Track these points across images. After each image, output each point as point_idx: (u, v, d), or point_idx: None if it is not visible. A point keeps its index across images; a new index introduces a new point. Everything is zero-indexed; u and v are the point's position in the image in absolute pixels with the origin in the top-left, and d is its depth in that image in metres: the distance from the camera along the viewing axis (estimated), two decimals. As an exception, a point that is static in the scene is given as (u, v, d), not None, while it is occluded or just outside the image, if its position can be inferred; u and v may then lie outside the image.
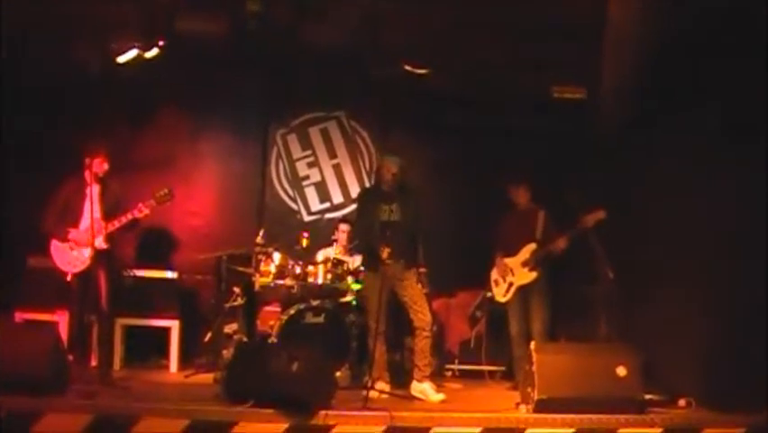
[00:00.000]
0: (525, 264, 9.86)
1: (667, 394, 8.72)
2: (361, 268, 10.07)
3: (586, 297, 9.99)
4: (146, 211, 9.09)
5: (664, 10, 8.07)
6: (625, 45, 8.83)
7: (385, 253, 9.07)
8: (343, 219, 11.43)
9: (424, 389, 9.27)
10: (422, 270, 9.75)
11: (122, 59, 10.52)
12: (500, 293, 10.07)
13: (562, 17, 9.33)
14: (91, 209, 8.85)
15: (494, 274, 10.21)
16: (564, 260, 9.77)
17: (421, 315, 9.37)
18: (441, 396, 9.22)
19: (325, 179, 12.59)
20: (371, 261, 9.51)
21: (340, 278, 10.40)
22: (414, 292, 9.42)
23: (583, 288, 10.08)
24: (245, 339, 10.34)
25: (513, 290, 9.94)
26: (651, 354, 8.61)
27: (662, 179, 9.60)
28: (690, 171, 9.09)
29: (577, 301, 10.27)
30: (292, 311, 9.99)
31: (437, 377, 10.36)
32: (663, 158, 9.57)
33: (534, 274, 9.82)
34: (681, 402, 8.72)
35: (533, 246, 9.85)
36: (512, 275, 9.96)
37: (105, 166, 9.14)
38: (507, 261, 10.02)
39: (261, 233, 10.46)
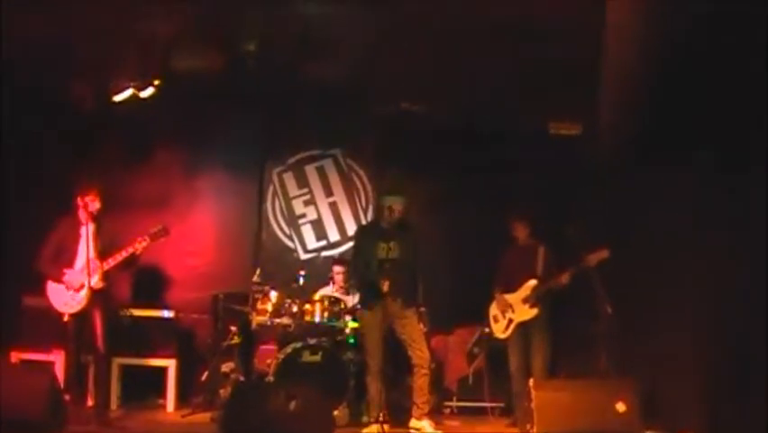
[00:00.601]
0: (525, 301, 9.79)
1: (668, 429, 8.69)
2: (358, 306, 10.04)
3: (586, 332, 9.94)
4: (141, 247, 9.07)
5: (662, 43, 8.09)
6: (622, 80, 8.84)
7: (385, 286, 9.07)
8: (337, 261, 11.37)
9: (422, 426, 9.25)
10: (422, 309, 9.75)
11: (118, 98, 10.53)
12: (500, 329, 9.99)
13: (560, 52, 9.34)
14: (87, 249, 8.85)
15: (493, 310, 10.13)
16: (564, 295, 9.73)
17: (419, 352, 9.35)
18: (439, 433, 9.20)
19: (322, 217, 12.56)
20: (368, 298, 9.50)
21: (337, 316, 10.37)
22: (413, 330, 9.40)
23: (583, 323, 10.03)
24: (242, 378, 10.32)
25: (513, 326, 9.85)
26: (652, 388, 8.60)
27: (662, 211, 9.59)
28: (689, 204, 9.10)
29: (577, 337, 10.23)
30: (289, 350, 9.96)
31: (436, 414, 10.32)
32: (663, 190, 9.58)
33: (534, 311, 9.75)
34: (681, 437, 8.70)
35: (533, 283, 9.79)
36: (512, 312, 9.88)
37: (97, 204, 9.14)
38: (507, 297, 9.96)
39: (258, 271, 10.44)
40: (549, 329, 9.79)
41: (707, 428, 8.46)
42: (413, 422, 9.32)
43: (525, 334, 9.81)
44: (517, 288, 9.91)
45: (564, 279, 9.56)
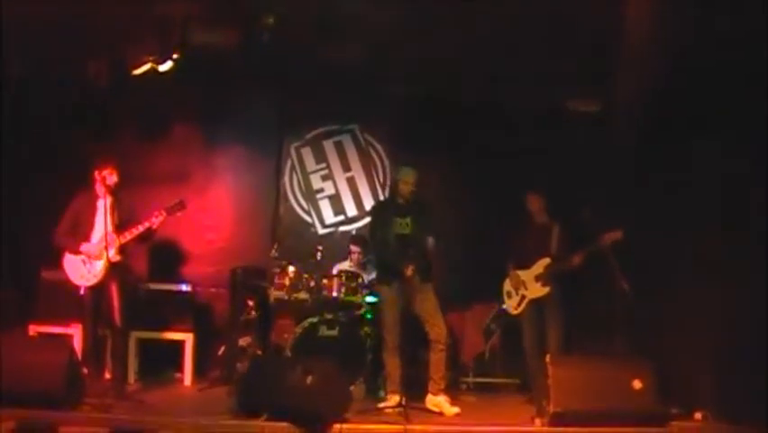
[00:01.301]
0: (538, 279, 9.79)
1: (683, 407, 8.68)
2: (376, 282, 10.05)
3: (602, 311, 9.92)
4: (157, 221, 9.08)
5: (681, 22, 8.04)
6: (640, 58, 8.80)
7: (409, 270, 9.06)
8: (353, 239, 11.34)
9: (439, 402, 9.24)
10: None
11: (136, 72, 10.52)
12: (513, 305, 10.01)
13: (577, 31, 9.30)
14: (104, 222, 8.87)
15: (507, 285, 10.14)
16: (581, 274, 9.70)
17: (437, 328, 9.35)
18: (455, 409, 9.19)
19: (340, 192, 12.56)
20: (386, 274, 9.49)
21: (354, 291, 10.38)
22: (430, 306, 9.39)
23: (600, 302, 10.01)
24: (259, 352, 10.34)
25: (525, 303, 9.87)
26: (666, 367, 8.57)
27: (680, 192, 9.55)
28: (709, 184, 9.06)
29: (593, 316, 10.20)
30: (306, 324, 9.99)
31: (452, 390, 10.32)
32: (682, 170, 9.53)
33: (546, 289, 9.74)
34: (697, 416, 8.68)
35: (547, 261, 9.79)
36: (524, 288, 9.89)
37: (115, 178, 9.15)
38: (521, 273, 9.96)
39: (276, 246, 10.45)
40: (562, 307, 9.77)
41: (722, 408, 8.45)
42: (429, 398, 9.31)
43: (538, 311, 9.80)
44: (531, 265, 9.90)
45: (577, 259, 9.55)
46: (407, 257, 9.12)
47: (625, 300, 9.18)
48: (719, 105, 8.74)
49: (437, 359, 9.36)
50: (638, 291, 9.18)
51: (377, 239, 9.64)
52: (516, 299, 9.97)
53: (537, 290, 9.80)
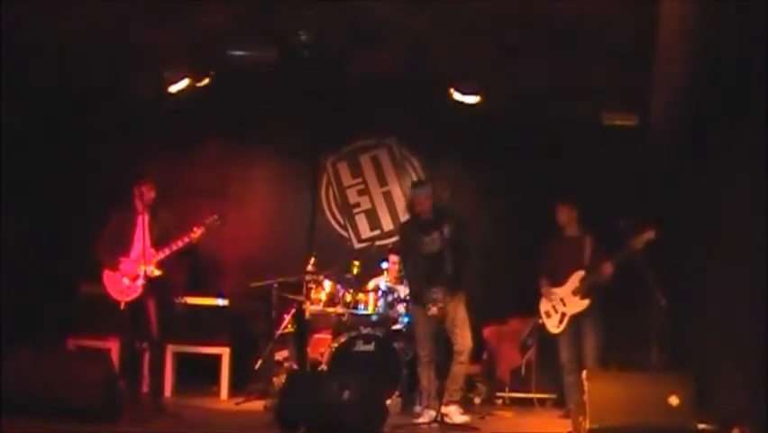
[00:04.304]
0: (575, 293, 9.74)
1: (720, 423, 8.61)
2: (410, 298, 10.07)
3: (638, 324, 9.87)
4: (196, 237, 9.13)
5: (715, 36, 8.00)
6: (676, 70, 8.76)
7: (433, 309, 9.06)
8: (393, 250, 11.32)
9: (449, 411, 9.21)
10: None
11: (174, 88, 10.59)
12: (553, 325, 9.90)
13: (613, 43, 9.28)
14: (143, 237, 8.94)
15: (544, 305, 10.04)
16: (615, 286, 9.65)
17: (461, 339, 9.35)
18: (465, 418, 9.21)
19: (376, 206, 12.58)
20: (417, 294, 9.50)
21: (390, 306, 10.39)
22: (456, 316, 9.38)
23: (635, 315, 9.97)
24: (296, 367, 10.37)
25: (566, 320, 9.77)
26: (704, 381, 8.51)
27: (719, 202, 9.50)
28: (745, 196, 8.99)
29: (628, 328, 10.16)
30: (343, 339, 10.01)
31: (488, 405, 10.34)
32: (718, 183, 9.48)
33: (586, 302, 9.67)
34: (735, 432, 8.60)
35: (581, 274, 9.73)
36: (563, 305, 9.81)
37: (152, 193, 9.20)
38: (557, 290, 9.90)
39: (312, 260, 10.48)
40: (601, 320, 9.71)
41: (760, 423, 8.37)
42: (441, 408, 9.27)
43: (576, 325, 9.74)
44: (565, 280, 9.84)
45: (608, 267, 9.49)
46: (435, 280, 9.11)
47: (661, 314, 9.13)
48: (756, 118, 8.68)
49: (456, 370, 9.37)
50: (674, 305, 9.13)
51: (406, 261, 9.68)
52: (556, 317, 9.87)
53: (577, 305, 9.73)
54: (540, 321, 10.17)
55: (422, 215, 9.54)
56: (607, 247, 9.71)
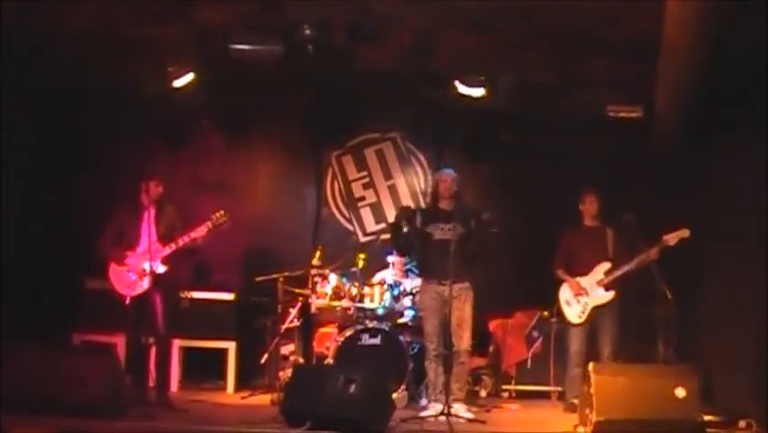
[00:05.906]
0: (600, 284, 9.66)
1: (727, 416, 8.60)
2: (417, 289, 10.04)
3: (644, 317, 9.86)
4: (201, 234, 9.13)
5: (721, 27, 7.97)
6: (680, 63, 8.73)
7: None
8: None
9: (455, 409, 9.18)
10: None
11: (178, 83, 10.57)
12: (574, 315, 9.76)
13: (618, 35, 9.25)
14: (149, 232, 8.94)
15: (564, 294, 9.89)
16: (621, 280, 9.62)
17: (460, 341, 9.30)
18: (469, 415, 9.18)
19: (381, 200, 12.58)
20: (428, 282, 9.47)
21: (396, 299, 10.39)
22: (461, 315, 9.33)
23: (641, 308, 9.95)
24: (302, 361, 10.37)
25: (589, 310, 9.66)
26: (710, 374, 8.51)
27: (725, 196, 9.49)
28: (751, 189, 8.98)
29: (635, 322, 10.14)
30: (348, 333, 10.00)
31: (494, 398, 10.33)
32: (724, 176, 9.47)
33: (610, 294, 9.59)
34: (742, 424, 8.59)
35: (607, 265, 9.65)
36: (586, 295, 9.71)
37: (160, 189, 9.21)
38: (581, 280, 9.78)
39: (318, 254, 10.48)
40: (619, 313, 9.66)
41: (766, 416, 8.37)
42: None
43: (595, 317, 9.67)
44: (587, 271, 9.75)
45: (654, 254, 9.32)
46: (448, 263, 9.07)
47: (667, 307, 9.11)
48: (762, 109, 8.66)
49: (458, 370, 9.31)
50: (681, 298, 9.12)
51: (421, 246, 9.64)
52: (577, 307, 9.74)
53: (601, 297, 9.63)
54: (545, 313, 10.14)
55: (443, 201, 9.55)
56: (627, 240, 9.63)
